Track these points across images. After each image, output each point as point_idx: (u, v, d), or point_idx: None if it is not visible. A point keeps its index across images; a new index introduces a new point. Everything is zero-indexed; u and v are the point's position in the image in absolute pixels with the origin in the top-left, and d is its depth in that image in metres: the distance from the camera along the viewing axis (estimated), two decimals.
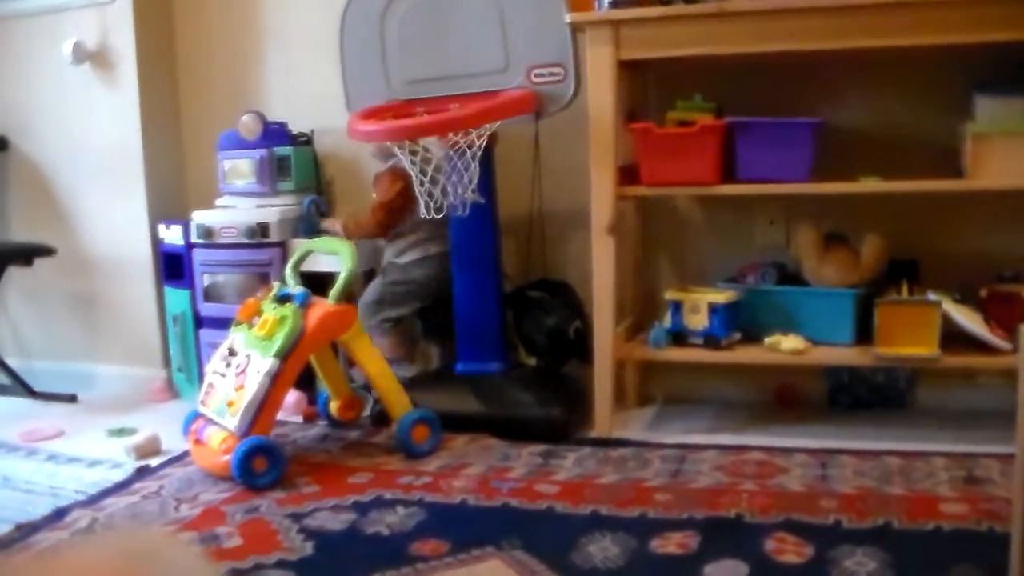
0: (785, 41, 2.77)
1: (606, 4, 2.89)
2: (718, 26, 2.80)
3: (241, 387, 2.83)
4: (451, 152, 2.99)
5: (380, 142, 3.15)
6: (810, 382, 3.27)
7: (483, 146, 2.96)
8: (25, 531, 2.52)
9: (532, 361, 3.31)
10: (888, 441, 2.87)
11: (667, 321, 3.07)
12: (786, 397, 3.29)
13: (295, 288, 3.00)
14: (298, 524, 2.46)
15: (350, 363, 3.32)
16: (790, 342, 2.93)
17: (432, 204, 3.01)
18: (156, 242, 3.81)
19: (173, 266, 3.74)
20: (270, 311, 2.92)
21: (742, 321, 3.03)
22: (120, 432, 3.36)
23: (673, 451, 2.89)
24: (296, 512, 2.54)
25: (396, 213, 3.31)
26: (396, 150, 3.05)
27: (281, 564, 2.25)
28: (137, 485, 2.84)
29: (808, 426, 3.08)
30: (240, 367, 2.88)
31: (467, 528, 2.41)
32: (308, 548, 2.33)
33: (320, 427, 3.29)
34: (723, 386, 3.34)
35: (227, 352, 2.99)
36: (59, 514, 2.62)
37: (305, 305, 2.90)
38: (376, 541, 2.36)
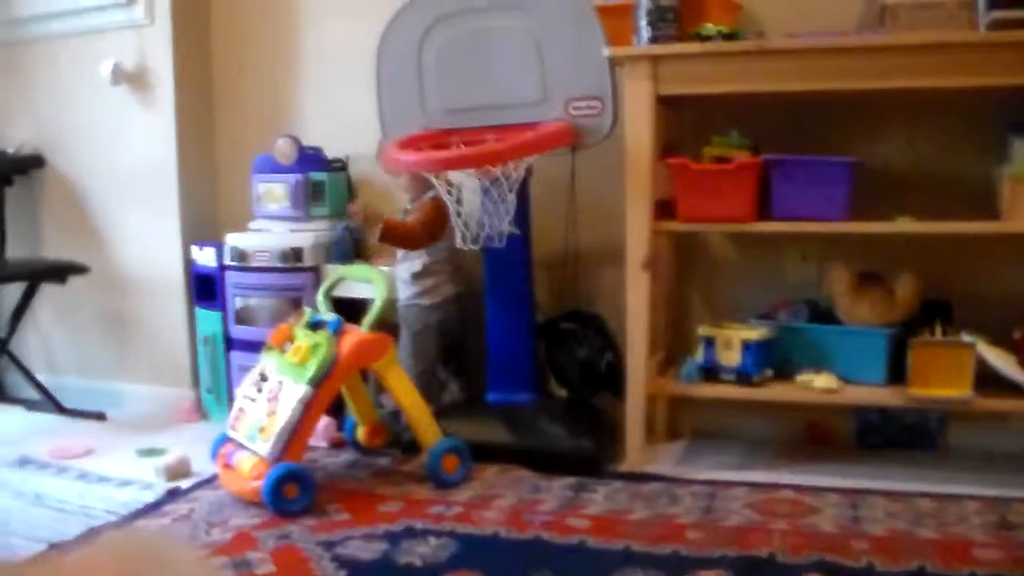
0: (822, 80, 2.78)
1: (645, 39, 2.90)
2: (756, 64, 2.82)
3: (273, 413, 2.84)
4: (488, 184, 3.01)
5: (418, 172, 3.15)
6: (839, 420, 3.26)
7: (520, 178, 2.97)
8: (58, 551, 2.53)
9: (563, 393, 3.31)
10: (919, 482, 2.86)
11: (699, 356, 3.07)
12: (815, 435, 3.28)
13: (327, 315, 3.01)
14: (330, 552, 2.47)
15: (378, 389, 3.33)
16: (823, 380, 2.92)
17: (468, 235, 3.02)
18: (188, 263, 3.84)
19: (205, 287, 3.76)
20: (302, 337, 2.93)
21: (774, 358, 3.03)
22: (150, 452, 3.38)
23: (703, 487, 2.88)
24: (328, 540, 2.55)
25: (439, 232, 3.31)
26: (433, 180, 3.07)
27: None
28: (168, 507, 2.85)
29: (838, 465, 3.06)
30: (272, 393, 2.89)
31: (499, 561, 2.41)
32: None
33: (349, 453, 3.29)
34: (751, 422, 3.33)
35: (258, 377, 3.00)
36: (91, 534, 2.63)
37: (338, 332, 2.91)
38: (409, 572, 2.37)
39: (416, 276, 3.34)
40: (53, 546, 2.56)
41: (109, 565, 1.25)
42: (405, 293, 3.36)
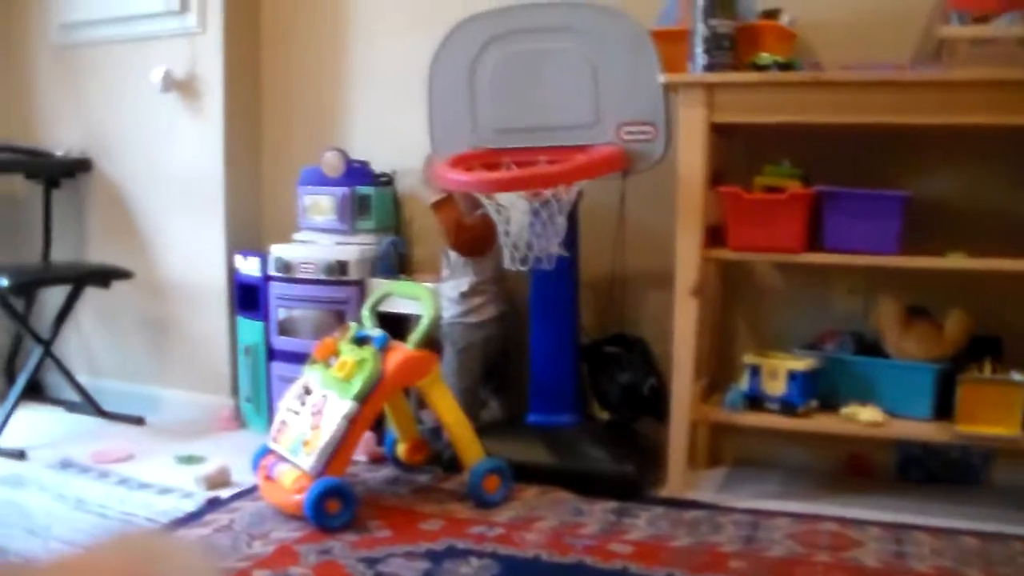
0: (878, 114, 2.77)
1: (700, 66, 2.90)
2: (812, 95, 2.81)
3: (317, 427, 2.84)
4: (538, 205, 3.01)
5: (470, 192, 3.15)
6: (880, 453, 3.24)
7: (571, 201, 2.98)
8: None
9: (605, 415, 3.31)
10: (963, 519, 2.84)
11: (744, 384, 3.06)
12: (856, 466, 3.26)
13: (373, 330, 3.02)
14: (373, 570, 2.47)
15: (420, 405, 3.34)
16: (868, 413, 2.91)
17: (517, 256, 3.03)
18: (232, 272, 3.86)
19: (248, 297, 3.78)
20: (348, 352, 2.94)
21: (819, 389, 3.02)
22: (189, 460, 3.40)
23: (745, 516, 2.87)
24: (369, 557, 2.55)
25: (485, 248, 3.34)
26: (483, 200, 3.07)
27: None
28: (208, 517, 2.87)
29: (880, 498, 3.04)
30: (316, 407, 2.90)
31: None
32: None
33: (388, 469, 3.29)
34: (792, 451, 3.31)
35: (302, 390, 3.01)
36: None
37: (384, 349, 2.92)
38: None
39: (464, 295, 3.35)
40: None
41: (109, 565, 1.26)
42: (451, 311, 3.37)
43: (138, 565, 1.23)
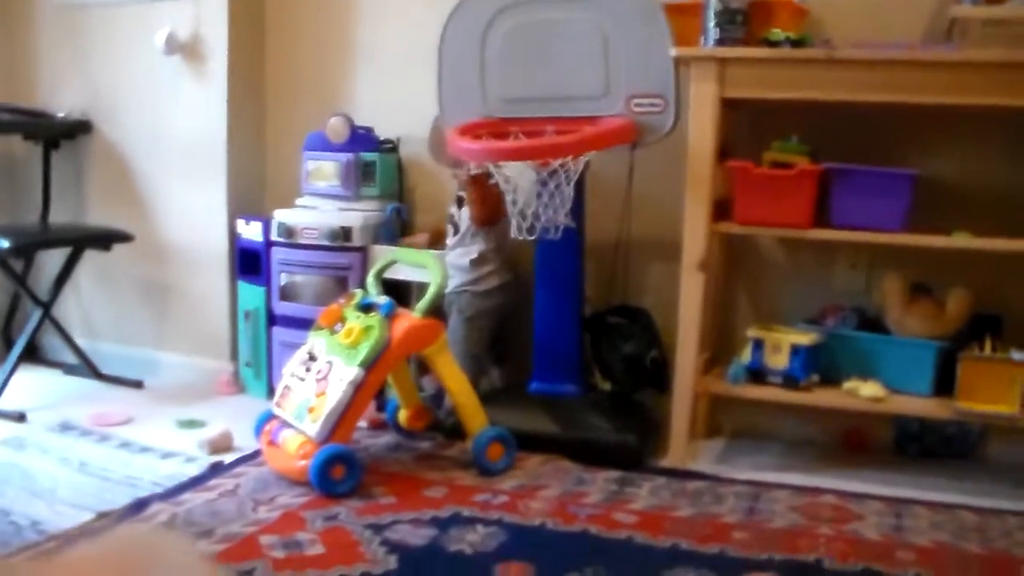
0: (890, 92, 2.77)
1: (712, 41, 2.90)
2: (824, 72, 2.81)
3: (323, 394, 2.85)
4: (546, 175, 3.01)
5: (480, 161, 3.15)
6: (878, 427, 3.28)
7: (578, 170, 2.98)
8: (107, 521, 2.56)
9: (607, 386, 3.32)
10: (961, 495, 2.88)
11: (746, 358, 3.08)
12: (855, 441, 3.29)
13: (379, 297, 3.02)
14: (379, 536, 2.48)
15: (421, 371, 3.35)
16: (869, 389, 2.94)
17: (524, 225, 3.04)
18: (233, 236, 3.85)
19: (249, 262, 3.77)
20: (354, 319, 2.94)
21: (821, 363, 3.05)
22: (190, 424, 3.40)
23: (746, 488, 2.90)
24: (375, 523, 2.57)
25: (496, 216, 3.35)
26: (492, 170, 3.07)
27: None
28: (213, 482, 2.86)
29: (879, 472, 3.08)
30: (321, 373, 2.90)
31: (549, 552, 2.43)
32: (392, 562, 2.35)
33: (390, 435, 3.31)
34: (790, 424, 3.34)
35: (307, 356, 3.01)
36: (139, 506, 2.65)
37: (390, 316, 2.92)
38: (459, 560, 2.38)
39: (473, 263, 3.36)
40: (101, 515, 2.58)
41: (107, 564, 1.26)
42: (459, 279, 3.38)
43: (134, 563, 1.24)
